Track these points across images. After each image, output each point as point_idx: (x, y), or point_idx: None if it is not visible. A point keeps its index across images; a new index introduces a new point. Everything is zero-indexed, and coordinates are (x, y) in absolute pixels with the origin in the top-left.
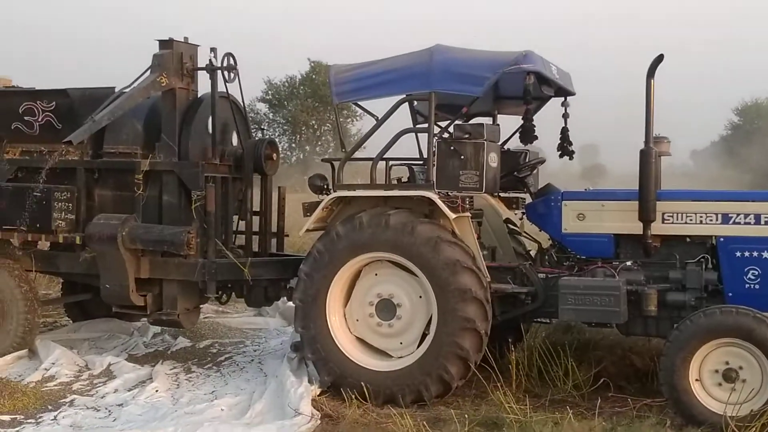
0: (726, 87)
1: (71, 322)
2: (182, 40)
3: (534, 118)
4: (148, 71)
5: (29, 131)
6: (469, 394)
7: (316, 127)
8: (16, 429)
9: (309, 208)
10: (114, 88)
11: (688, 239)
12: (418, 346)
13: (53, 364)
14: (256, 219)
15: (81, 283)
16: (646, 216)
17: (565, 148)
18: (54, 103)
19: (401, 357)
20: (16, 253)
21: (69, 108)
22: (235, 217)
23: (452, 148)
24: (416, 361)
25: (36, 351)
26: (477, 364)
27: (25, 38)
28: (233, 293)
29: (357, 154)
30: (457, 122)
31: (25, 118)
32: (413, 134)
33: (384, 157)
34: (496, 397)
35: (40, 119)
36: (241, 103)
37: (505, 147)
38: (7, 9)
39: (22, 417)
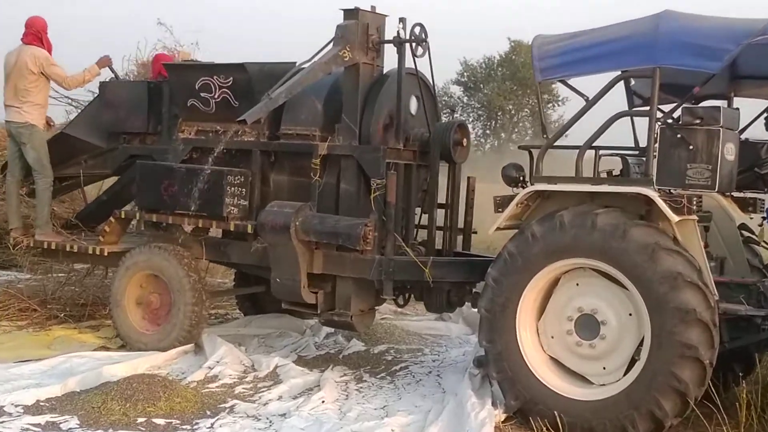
0: None
1: (243, 315)
2: (369, 10)
3: None
4: (331, 44)
5: (205, 109)
6: None
7: (513, 112)
8: None
9: (501, 203)
10: (295, 63)
11: None
12: (625, 374)
13: (218, 362)
14: (441, 212)
15: (254, 274)
16: None
17: None
18: (231, 78)
19: (604, 385)
20: (187, 240)
21: (246, 84)
22: (418, 210)
23: (679, 135)
24: (622, 392)
25: (202, 346)
26: (697, 399)
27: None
28: (412, 295)
29: (560, 142)
30: (685, 105)
31: (201, 94)
32: (629, 119)
33: (593, 145)
34: None
35: (216, 96)
36: (431, 81)
37: (743, 136)
38: None
39: (178, 422)
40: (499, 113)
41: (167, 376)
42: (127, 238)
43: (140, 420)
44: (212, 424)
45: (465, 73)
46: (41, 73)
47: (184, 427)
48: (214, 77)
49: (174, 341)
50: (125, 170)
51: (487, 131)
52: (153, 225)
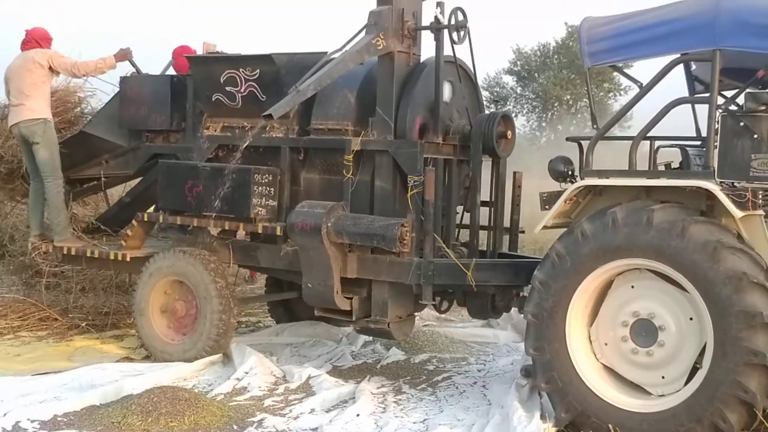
0: None
1: (275, 323)
2: None
3: None
4: (363, 32)
5: (231, 104)
6: None
7: (571, 102)
8: None
9: (548, 200)
10: (326, 53)
11: None
12: (686, 383)
13: (246, 373)
14: (484, 211)
15: (285, 279)
16: None
17: None
18: (258, 71)
19: (662, 395)
20: (213, 243)
21: (274, 76)
22: (459, 209)
23: (742, 123)
24: (683, 403)
25: (230, 356)
26: (766, 411)
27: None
28: (454, 300)
29: (614, 132)
30: (749, 90)
31: (227, 88)
32: (689, 106)
33: (648, 135)
34: None
35: (242, 90)
36: (471, 70)
37: None
38: None
39: None
40: (556, 104)
41: (192, 388)
42: (151, 242)
43: None
44: None
45: (518, 62)
46: (50, 68)
47: None
48: (240, 70)
49: (200, 351)
50: (148, 170)
51: (543, 123)
52: (178, 228)
